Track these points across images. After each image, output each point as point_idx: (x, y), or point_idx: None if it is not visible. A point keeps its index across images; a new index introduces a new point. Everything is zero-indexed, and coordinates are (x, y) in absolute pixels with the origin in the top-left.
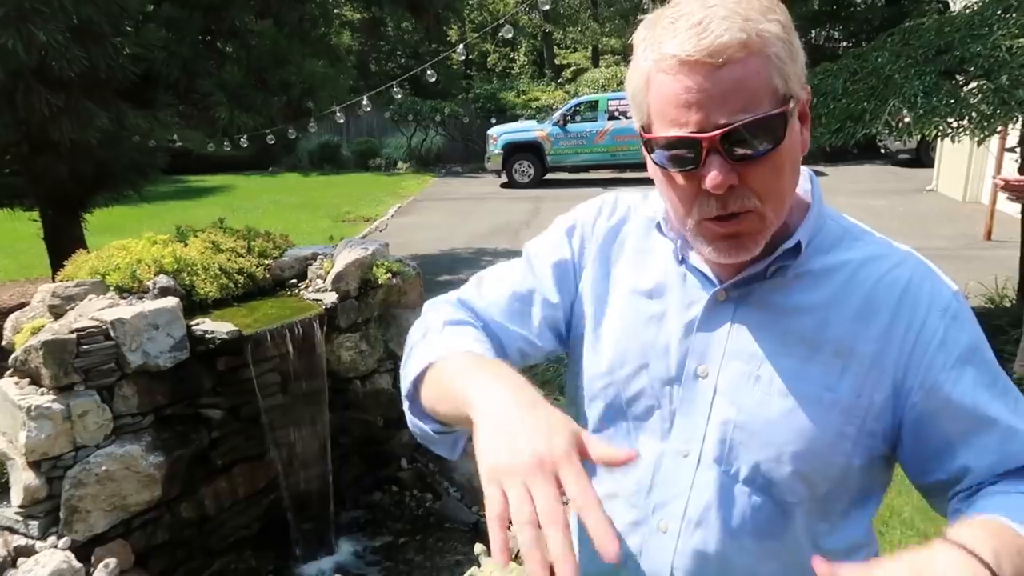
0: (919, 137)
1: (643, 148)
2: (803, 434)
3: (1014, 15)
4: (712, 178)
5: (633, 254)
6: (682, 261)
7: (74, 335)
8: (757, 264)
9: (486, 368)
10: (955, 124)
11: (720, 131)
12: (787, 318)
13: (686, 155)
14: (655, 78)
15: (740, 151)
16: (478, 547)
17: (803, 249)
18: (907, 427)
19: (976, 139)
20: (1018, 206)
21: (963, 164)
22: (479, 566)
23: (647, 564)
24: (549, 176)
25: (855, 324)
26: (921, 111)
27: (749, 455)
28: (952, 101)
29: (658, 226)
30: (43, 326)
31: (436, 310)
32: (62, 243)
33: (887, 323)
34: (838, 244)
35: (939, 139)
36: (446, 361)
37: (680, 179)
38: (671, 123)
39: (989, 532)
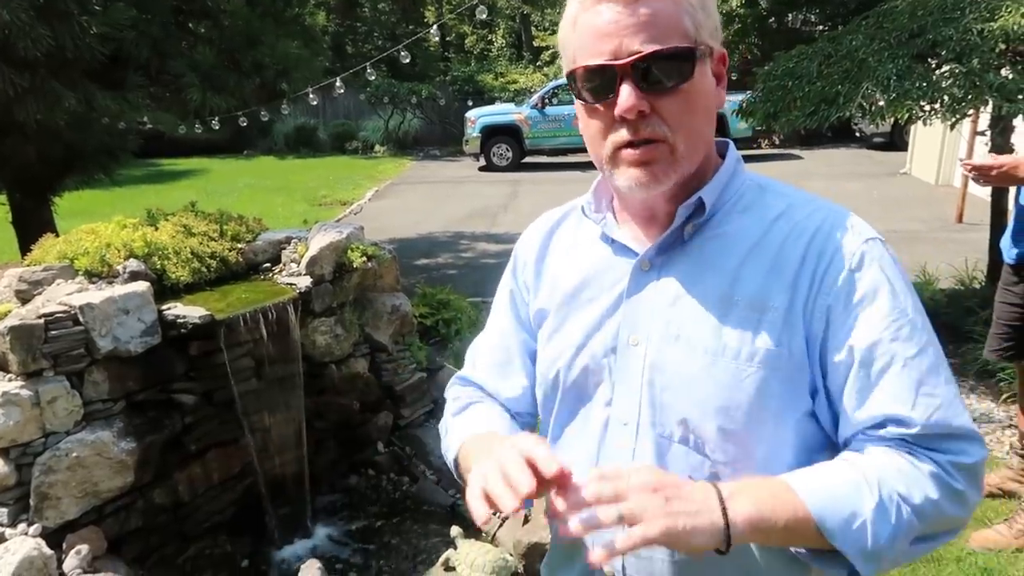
0: (892, 120)
1: (569, 88)
2: (724, 387)
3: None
4: (623, 101)
5: (566, 250)
6: (608, 240)
7: (42, 320)
8: (670, 228)
9: (479, 450)
10: (927, 108)
11: (632, 58)
12: (705, 278)
13: (602, 84)
14: (579, 18)
15: (651, 80)
16: (455, 529)
17: (706, 207)
18: (818, 377)
19: (948, 123)
20: (988, 189)
21: (936, 147)
22: (456, 548)
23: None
24: (527, 159)
25: (768, 277)
26: (894, 94)
27: (677, 414)
28: (924, 84)
29: (582, 210)
30: (9, 311)
31: (449, 394)
32: (31, 227)
33: (795, 271)
34: (755, 203)
35: (912, 122)
36: (462, 450)
37: (598, 111)
38: (589, 54)
39: (757, 481)
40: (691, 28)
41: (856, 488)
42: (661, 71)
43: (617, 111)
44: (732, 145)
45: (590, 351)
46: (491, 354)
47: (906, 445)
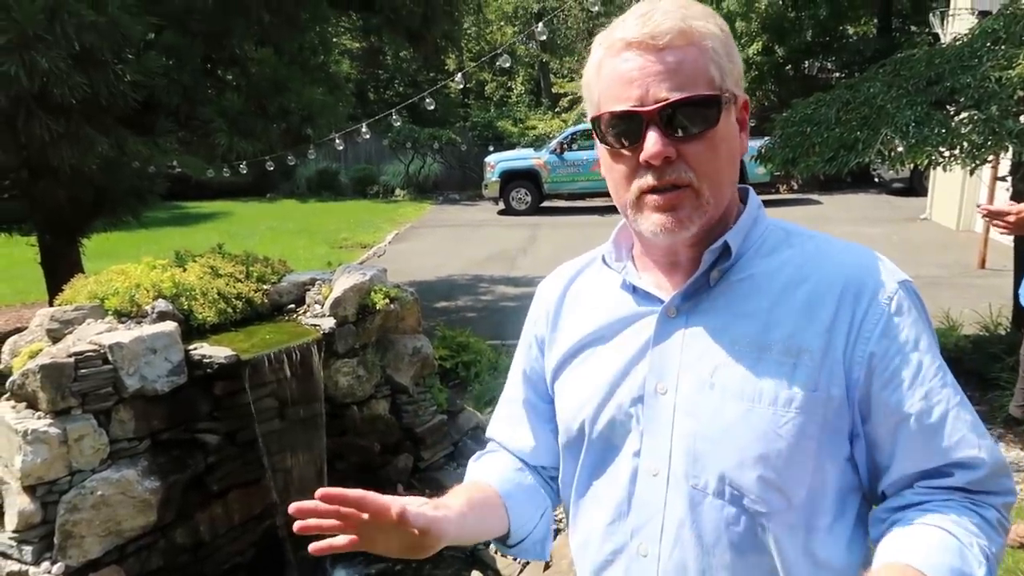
0: (912, 166)
1: (594, 135)
2: (763, 435)
3: (1003, 47)
4: (649, 148)
5: (587, 300)
6: (630, 288)
7: (72, 359)
8: (696, 273)
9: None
10: (947, 153)
11: (659, 105)
12: (735, 323)
13: (628, 129)
14: (604, 63)
15: (677, 126)
16: (475, 574)
17: (732, 251)
18: (858, 422)
19: (968, 168)
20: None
21: (956, 193)
22: None
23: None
24: (546, 204)
25: (801, 320)
26: (913, 140)
27: (714, 465)
28: (943, 131)
29: (603, 259)
30: (41, 350)
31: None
32: (59, 268)
33: (832, 315)
34: (781, 246)
35: (931, 168)
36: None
37: (623, 155)
38: (615, 100)
39: None
40: (716, 76)
41: (963, 558)
42: (687, 118)
43: (643, 156)
44: (752, 191)
45: (616, 401)
46: (504, 407)
47: (967, 495)
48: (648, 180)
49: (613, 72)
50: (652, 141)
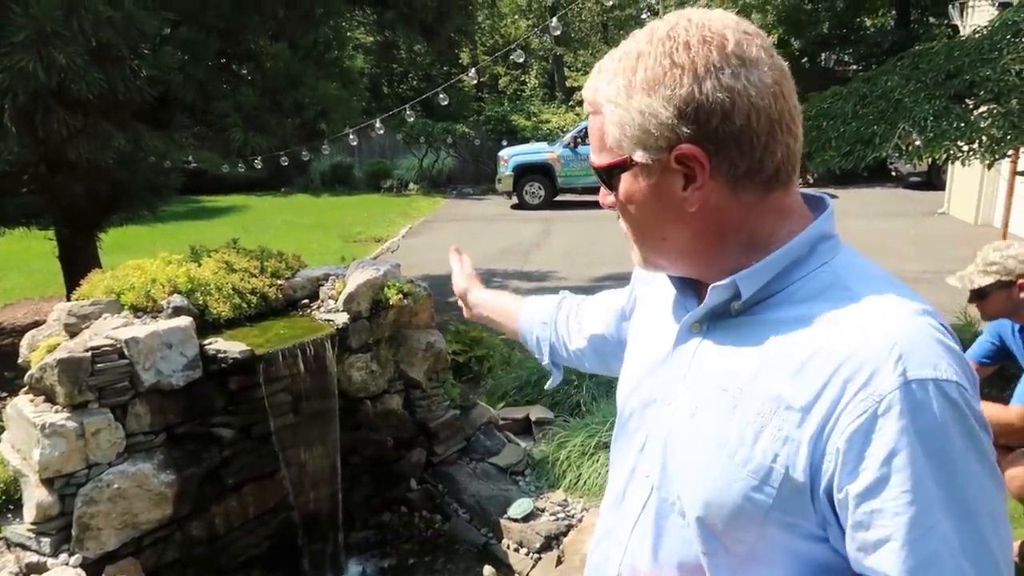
0: (930, 160)
1: None
2: (712, 482)
3: None
4: (601, 194)
5: (661, 288)
6: (680, 285)
7: (89, 353)
8: (703, 306)
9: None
10: (965, 148)
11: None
12: (735, 362)
13: None
14: None
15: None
16: (487, 569)
17: (742, 295)
18: (827, 513)
19: (987, 162)
20: None
21: (975, 187)
22: None
23: (603, 572)
24: (559, 198)
25: (786, 385)
26: (931, 134)
27: (676, 487)
28: (962, 125)
29: None
30: (58, 344)
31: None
32: (77, 262)
33: (816, 392)
34: (818, 296)
35: (950, 162)
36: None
37: None
38: None
39: None
40: (613, 139)
41: None
42: (604, 181)
43: None
44: (823, 218)
45: (639, 395)
46: (595, 301)
47: None
48: None
49: None
50: (602, 192)
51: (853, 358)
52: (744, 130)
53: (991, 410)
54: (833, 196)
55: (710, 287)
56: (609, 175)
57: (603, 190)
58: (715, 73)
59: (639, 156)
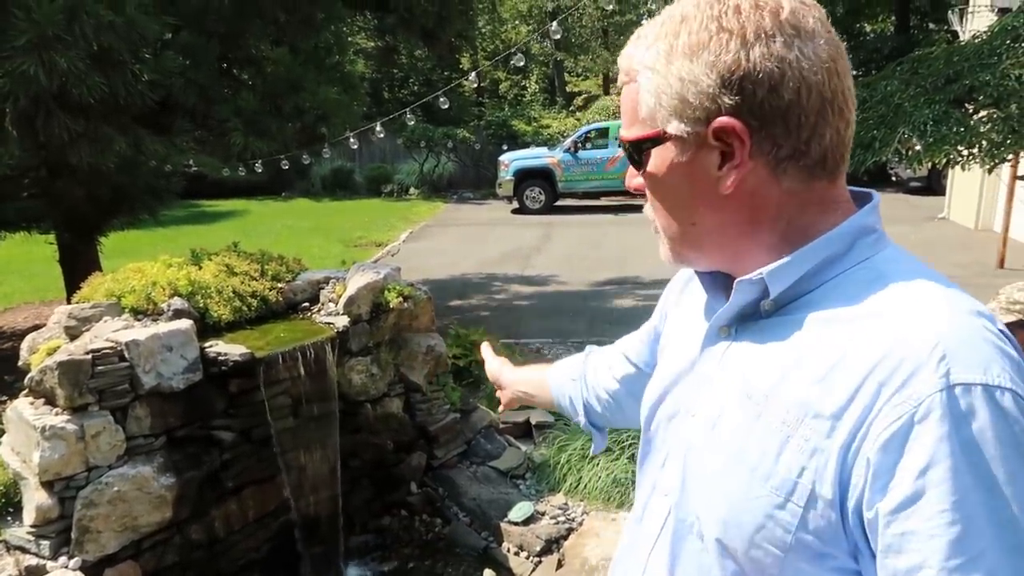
0: (930, 165)
1: None
2: (729, 499)
3: (1023, 45)
4: (627, 175)
5: (692, 295)
6: (708, 299)
7: (89, 356)
8: (729, 305)
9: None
10: (965, 152)
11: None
12: (760, 367)
13: None
14: None
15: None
16: (488, 573)
17: (771, 293)
18: (857, 535)
19: (987, 167)
20: None
21: (975, 192)
22: None
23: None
24: (560, 202)
25: (815, 390)
26: (931, 139)
27: (694, 505)
28: (962, 129)
29: None
30: (59, 347)
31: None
32: (77, 266)
33: (849, 396)
34: (856, 294)
35: (950, 167)
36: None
37: None
38: None
39: None
40: (647, 109)
41: None
42: (632, 157)
43: None
44: (866, 210)
45: (665, 408)
46: (623, 340)
47: None
48: None
49: None
50: (629, 173)
51: (889, 358)
52: (792, 106)
53: None
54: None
55: (736, 283)
56: (639, 150)
57: (631, 170)
58: (766, 40)
59: (673, 128)
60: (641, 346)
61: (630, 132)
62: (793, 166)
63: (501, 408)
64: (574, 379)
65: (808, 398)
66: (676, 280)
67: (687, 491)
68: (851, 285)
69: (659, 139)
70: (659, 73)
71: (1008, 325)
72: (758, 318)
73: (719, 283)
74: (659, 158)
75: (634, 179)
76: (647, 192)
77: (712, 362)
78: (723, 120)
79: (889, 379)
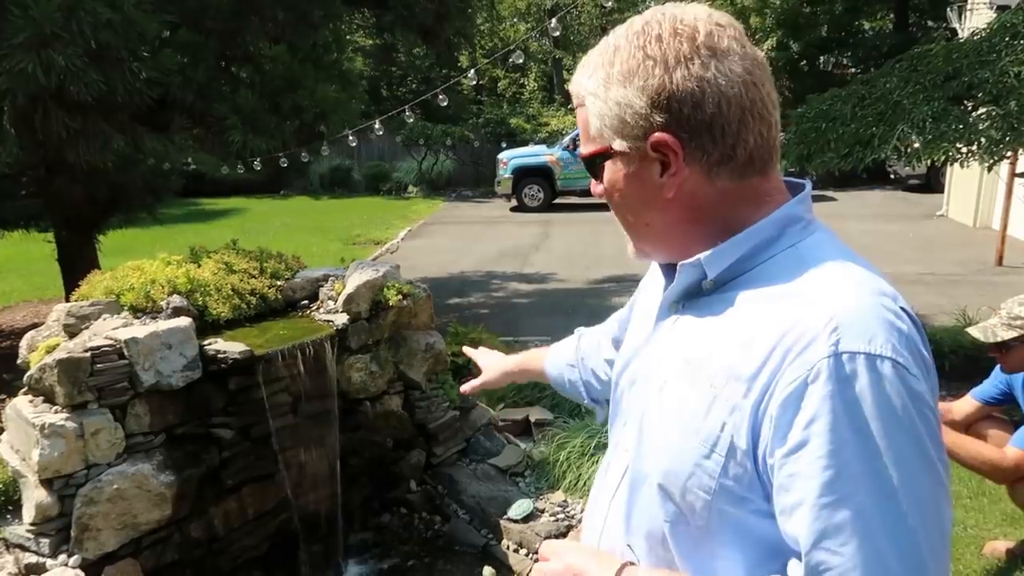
0: (929, 162)
1: None
2: (670, 451)
3: (1022, 42)
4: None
5: (655, 279)
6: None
7: (88, 354)
8: (673, 286)
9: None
10: (964, 149)
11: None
12: (698, 337)
13: None
14: None
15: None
16: (487, 570)
17: (708, 275)
18: (768, 483)
19: (985, 164)
20: None
21: (973, 189)
22: None
23: (588, 539)
24: (559, 200)
25: (736, 357)
26: (930, 136)
27: (644, 459)
28: (961, 127)
29: None
30: (58, 345)
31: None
32: (76, 264)
33: (760, 363)
34: (780, 275)
35: (948, 164)
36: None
37: None
38: None
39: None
40: (595, 129)
41: None
42: (591, 170)
43: None
44: (795, 201)
45: (627, 375)
46: (608, 322)
47: None
48: None
49: None
50: (592, 182)
51: (794, 329)
52: (715, 118)
53: (984, 450)
54: (831, 199)
55: (679, 266)
56: (593, 164)
57: (593, 181)
58: (685, 63)
59: (618, 145)
60: (619, 330)
61: (585, 149)
62: (724, 168)
63: (465, 388)
64: (572, 364)
65: (732, 363)
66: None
67: (641, 448)
68: (777, 268)
69: (607, 154)
70: (600, 98)
71: (1010, 341)
72: (700, 295)
73: (674, 269)
74: (611, 170)
75: (597, 188)
76: (607, 199)
77: (663, 334)
78: (657, 135)
79: (792, 346)
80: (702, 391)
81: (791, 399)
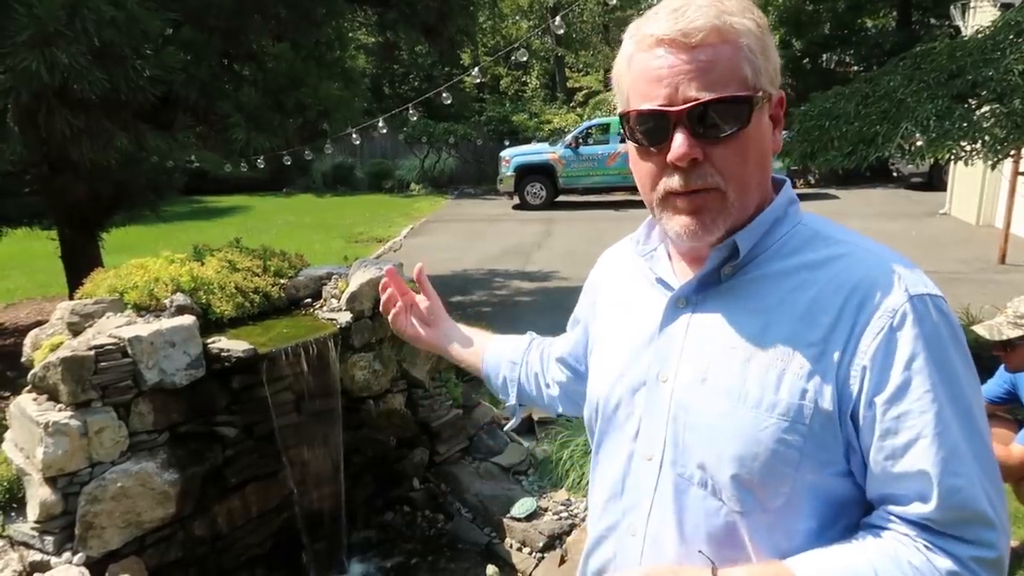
0: (932, 160)
1: (622, 128)
2: (741, 436)
3: None
4: (675, 149)
5: (620, 282)
6: (652, 274)
7: (92, 352)
8: (702, 271)
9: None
10: (968, 148)
11: (687, 106)
12: (737, 320)
13: (655, 128)
14: (635, 58)
15: (705, 128)
16: (490, 569)
17: (740, 251)
18: (853, 437)
19: (989, 163)
20: None
21: (976, 187)
22: None
23: (620, 569)
24: (561, 198)
25: (798, 326)
26: (934, 134)
27: (696, 456)
28: (965, 125)
29: (636, 243)
30: (62, 343)
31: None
32: (79, 262)
33: (831, 324)
34: (804, 247)
35: (952, 162)
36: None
37: (651, 153)
38: (643, 97)
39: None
40: (750, 74)
41: None
42: (716, 119)
43: (670, 157)
44: (787, 185)
45: (625, 383)
46: (564, 336)
47: (928, 533)
48: (675, 182)
49: (643, 68)
50: (679, 142)
51: (861, 286)
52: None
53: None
54: (834, 197)
55: (711, 250)
56: (747, 107)
57: (684, 139)
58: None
59: (772, 91)
60: (578, 338)
61: (729, 90)
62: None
63: (395, 326)
64: (515, 362)
65: (794, 333)
66: (589, 285)
67: (684, 448)
68: (798, 242)
69: (760, 100)
70: (760, 40)
71: (1015, 340)
72: (718, 284)
73: (664, 282)
74: (756, 117)
75: (692, 148)
76: (717, 157)
77: (676, 334)
78: (780, 92)
79: (865, 301)
80: (765, 367)
81: (881, 346)
